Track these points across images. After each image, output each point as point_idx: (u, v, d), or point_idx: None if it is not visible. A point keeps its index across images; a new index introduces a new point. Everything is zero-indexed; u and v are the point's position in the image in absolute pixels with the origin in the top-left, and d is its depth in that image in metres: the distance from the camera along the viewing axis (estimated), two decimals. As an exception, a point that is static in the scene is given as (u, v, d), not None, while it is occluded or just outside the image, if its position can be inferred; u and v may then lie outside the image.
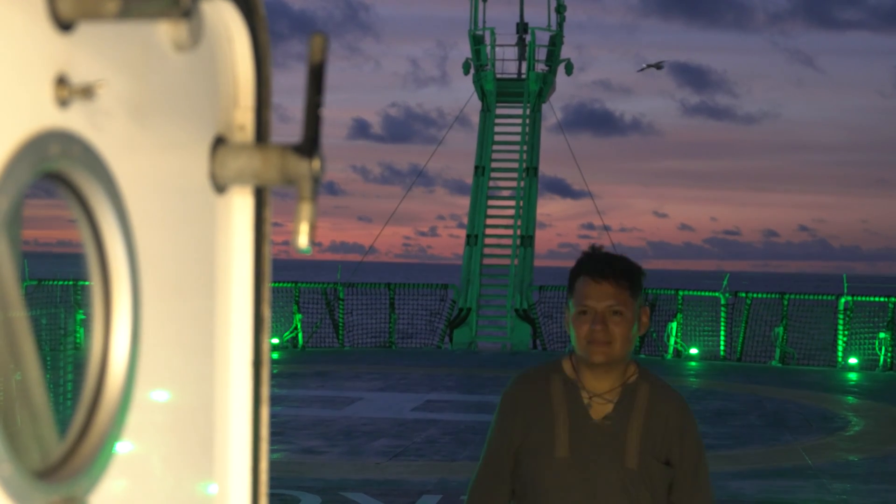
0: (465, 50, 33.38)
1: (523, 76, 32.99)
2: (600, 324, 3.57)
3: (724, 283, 27.79)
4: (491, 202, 31.90)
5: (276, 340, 27.91)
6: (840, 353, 26.55)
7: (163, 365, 1.10)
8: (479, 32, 33.13)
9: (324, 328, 29.10)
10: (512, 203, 31.72)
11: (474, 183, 31.90)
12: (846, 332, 26.53)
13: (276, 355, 26.08)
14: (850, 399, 21.06)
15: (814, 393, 21.46)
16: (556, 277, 21.87)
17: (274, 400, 17.20)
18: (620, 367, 3.67)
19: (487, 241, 31.65)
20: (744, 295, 27.86)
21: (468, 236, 31.62)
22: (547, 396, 3.69)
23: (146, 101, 1.06)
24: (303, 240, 1.11)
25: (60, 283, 26.54)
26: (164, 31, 1.08)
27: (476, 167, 31.97)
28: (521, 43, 33.48)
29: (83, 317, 24.98)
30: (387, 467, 13.23)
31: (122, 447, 1.03)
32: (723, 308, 27.64)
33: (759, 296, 28.20)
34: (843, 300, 26.69)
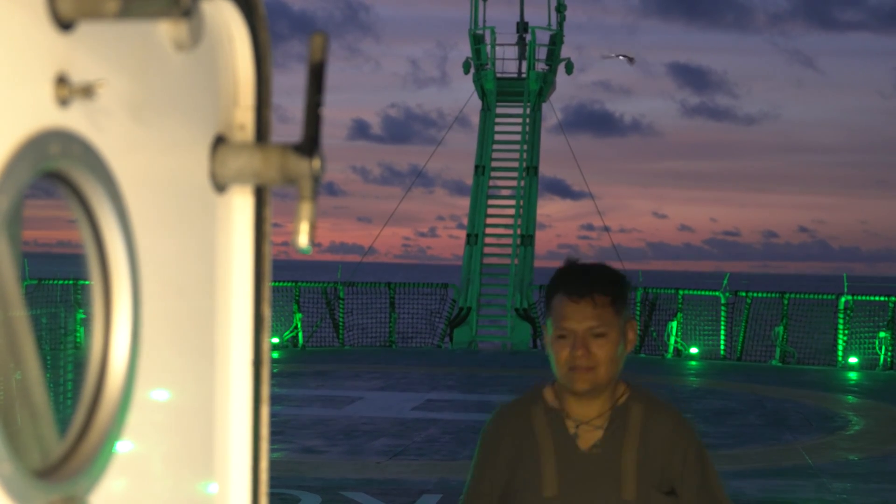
0: (464, 50, 33.42)
1: (523, 75, 32.99)
2: (582, 348, 3.22)
3: (725, 282, 27.78)
4: (491, 201, 31.90)
5: (276, 340, 27.92)
6: (840, 353, 26.55)
7: (163, 364, 1.10)
8: (480, 32, 33.12)
9: (324, 328, 29.10)
10: (512, 202, 31.72)
11: (474, 182, 31.89)
12: (846, 332, 26.53)
13: (276, 355, 26.07)
14: (851, 398, 21.06)
15: (814, 392, 21.45)
16: (557, 277, 21.81)
17: (274, 399, 17.18)
18: (608, 390, 3.32)
19: (488, 240, 31.65)
20: (744, 294, 27.86)
21: (468, 235, 31.61)
22: (530, 430, 3.36)
23: (146, 101, 1.06)
24: (303, 239, 1.11)
25: (60, 282, 26.55)
26: (164, 31, 1.08)
27: (476, 166, 31.97)
28: (521, 42, 33.48)
29: (83, 316, 24.98)
30: (387, 467, 13.23)
31: (123, 447, 1.03)
32: (723, 307, 27.63)
33: (760, 295, 28.19)
34: (843, 299, 26.68)
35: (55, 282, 26.51)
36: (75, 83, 0.95)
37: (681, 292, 28.02)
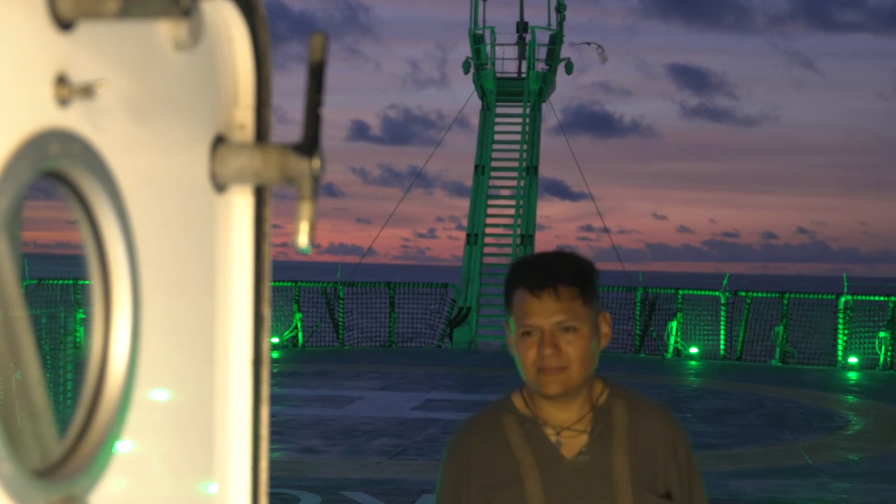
0: (464, 52, 33.42)
1: (523, 75, 33.00)
2: (550, 346, 2.84)
3: (724, 282, 27.78)
4: (491, 201, 31.90)
5: (276, 340, 27.92)
6: (840, 353, 26.55)
7: (163, 364, 1.10)
8: (480, 32, 33.14)
9: (324, 328, 29.11)
10: (512, 202, 31.73)
11: (474, 182, 31.90)
12: (846, 332, 26.53)
13: (276, 354, 26.08)
14: (850, 398, 21.06)
15: (814, 392, 21.45)
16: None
17: (274, 399, 17.19)
18: (585, 391, 2.95)
19: (487, 240, 31.66)
20: (744, 294, 27.85)
21: (468, 235, 31.62)
22: (504, 444, 2.97)
23: (146, 101, 1.06)
24: (303, 239, 1.11)
25: (60, 282, 26.56)
26: (164, 31, 1.08)
27: (476, 166, 31.97)
28: (521, 42, 33.49)
29: (83, 316, 24.98)
30: (387, 466, 13.23)
31: (122, 446, 1.03)
32: (723, 307, 27.62)
33: (759, 295, 28.18)
34: (842, 299, 26.68)
35: (55, 282, 26.52)
36: (75, 83, 0.95)
37: (680, 292, 28.01)
